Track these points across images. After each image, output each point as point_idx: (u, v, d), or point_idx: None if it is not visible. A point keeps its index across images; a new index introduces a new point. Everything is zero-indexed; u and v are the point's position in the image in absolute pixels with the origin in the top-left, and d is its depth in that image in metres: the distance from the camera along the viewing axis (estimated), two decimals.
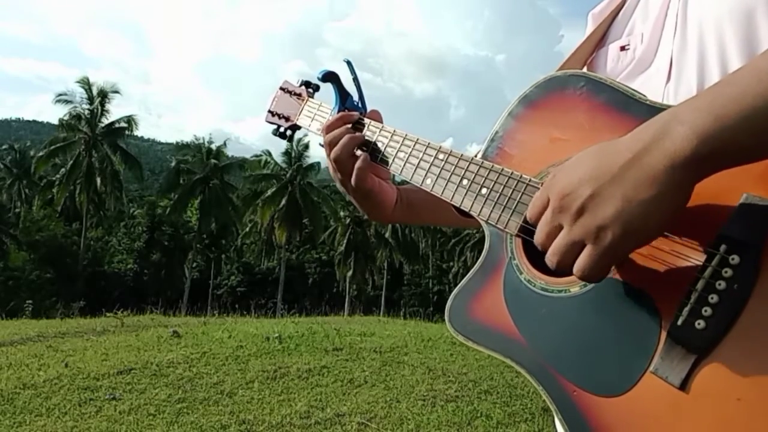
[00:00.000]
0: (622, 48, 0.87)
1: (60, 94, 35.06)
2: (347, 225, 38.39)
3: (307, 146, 38.13)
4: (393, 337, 7.53)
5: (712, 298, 0.58)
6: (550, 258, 0.63)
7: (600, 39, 0.93)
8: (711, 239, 0.60)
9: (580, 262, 0.60)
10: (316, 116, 1.12)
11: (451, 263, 43.90)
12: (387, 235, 39.19)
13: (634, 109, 0.69)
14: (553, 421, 0.91)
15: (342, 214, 39.04)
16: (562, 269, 0.63)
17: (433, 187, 0.88)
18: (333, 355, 6.17)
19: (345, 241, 37.67)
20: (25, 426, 4.09)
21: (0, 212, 36.36)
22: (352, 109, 1.05)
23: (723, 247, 0.59)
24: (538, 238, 0.64)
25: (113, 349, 6.33)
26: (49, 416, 4.27)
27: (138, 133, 45.69)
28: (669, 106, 0.66)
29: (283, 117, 1.19)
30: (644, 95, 0.70)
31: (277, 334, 7.03)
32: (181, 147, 41.09)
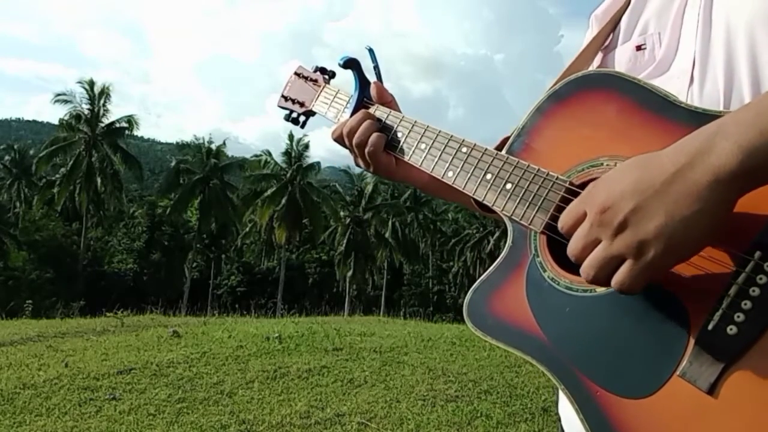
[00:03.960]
0: (638, 48, 0.84)
1: (59, 94, 35.12)
2: (347, 225, 38.38)
3: (307, 146, 38.20)
4: (393, 337, 7.51)
5: (745, 304, 0.58)
6: (587, 270, 0.62)
7: (603, 41, 0.91)
8: (745, 246, 0.59)
9: (620, 277, 0.60)
10: (332, 103, 1.09)
11: (451, 263, 43.86)
12: (387, 235, 39.19)
13: (669, 111, 0.68)
14: (554, 421, 0.91)
15: (342, 214, 39.04)
16: (598, 282, 0.63)
17: (455, 179, 0.87)
18: (333, 355, 6.17)
19: (345, 241, 37.67)
20: (25, 426, 4.09)
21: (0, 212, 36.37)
22: (371, 98, 1.03)
23: (757, 254, 0.58)
24: (573, 250, 0.63)
25: (113, 349, 6.32)
26: (49, 416, 4.27)
27: (138, 133, 45.74)
28: (705, 110, 0.65)
29: (297, 102, 1.16)
30: (677, 97, 0.69)
31: (277, 334, 7.03)
32: (181, 147, 41.11)
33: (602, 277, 0.61)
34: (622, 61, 0.87)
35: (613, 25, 0.90)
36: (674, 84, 0.76)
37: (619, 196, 0.60)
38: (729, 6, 0.75)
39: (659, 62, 0.82)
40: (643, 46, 0.84)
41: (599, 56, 0.92)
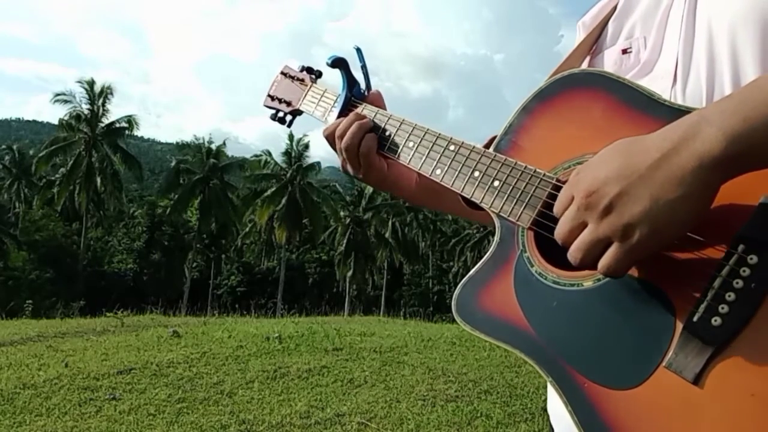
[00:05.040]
0: (624, 51, 0.86)
1: (58, 94, 35.07)
2: (347, 225, 38.39)
3: (307, 146, 38.21)
4: (393, 337, 7.52)
5: (729, 296, 0.59)
6: (574, 254, 0.63)
7: (591, 46, 0.92)
8: (729, 239, 0.60)
9: (606, 260, 0.61)
10: (320, 103, 1.10)
11: (451, 263, 43.89)
12: (387, 235, 39.19)
13: (654, 109, 0.69)
14: (548, 419, 0.91)
15: (342, 214, 39.05)
16: (585, 266, 0.64)
17: (443, 177, 0.88)
18: (333, 355, 6.17)
19: (345, 241, 37.68)
20: (25, 426, 4.09)
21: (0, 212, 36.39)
22: (358, 97, 1.03)
23: (741, 247, 0.59)
24: (560, 234, 0.65)
25: (113, 349, 6.33)
26: (49, 416, 4.27)
27: (138, 133, 45.72)
28: (689, 108, 0.66)
29: (284, 102, 1.16)
30: (661, 96, 0.70)
31: (277, 334, 7.03)
32: (181, 147, 41.12)
33: (589, 260, 0.63)
34: (608, 64, 0.88)
35: (600, 29, 0.92)
36: (658, 84, 0.78)
37: (604, 181, 0.61)
38: (711, 8, 0.77)
39: (644, 64, 0.83)
40: (628, 50, 0.86)
41: (586, 60, 0.94)
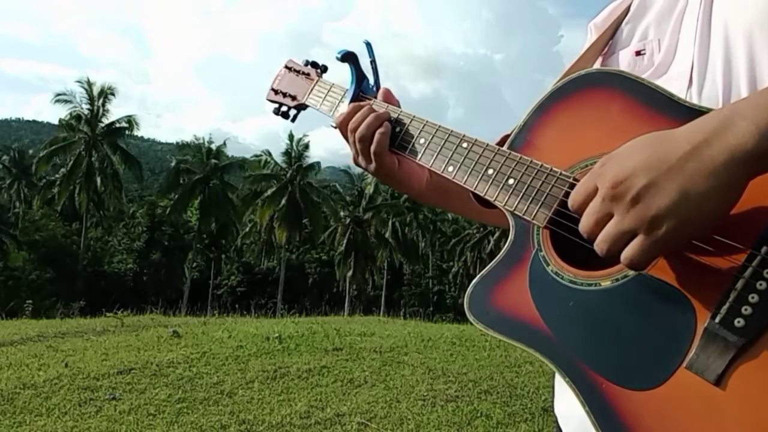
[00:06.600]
0: (638, 53, 0.86)
1: (59, 94, 35.13)
2: (347, 225, 38.39)
3: (307, 146, 38.24)
4: (393, 337, 7.52)
5: (752, 297, 0.59)
6: (600, 245, 0.62)
7: (603, 48, 0.92)
8: (752, 240, 0.60)
9: (630, 251, 0.60)
10: (327, 97, 1.07)
11: (451, 263, 43.87)
12: (387, 235, 39.19)
13: (673, 110, 0.69)
14: (554, 421, 0.91)
15: (342, 214, 39.06)
16: (611, 256, 0.63)
17: (455, 174, 0.86)
18: (333, 355, 6.17)
19: (345, 241, 37.67)
20: (25, 426, 4.09)
21: None
22: (367, 93, 1.01)
23: (764, 249, 0.59)
24: (586, 225, 0.64)
25: (113, 349, 6.33)
26: (49, 416, 4.27)
27: (138, 133, 45.68)
28: (708, 109, 0.65)
29: (289, 96, 1.14)
30: (680, 97, 0.69)
31: (277, 334, 7.03)
32: (181, 147, 41.16)
33: (615, 251, 0.62)
34: (621, 65, 0.87)
35: (613, 31, 0.91)
36: (673, 86, 0.77)
37: (632, 171, 0.60)
38: (728, 11, 0.76)
39: (657, 66, 0.83)
40: (642, 52, 0.85)
41: (598, 61, 0.93)
